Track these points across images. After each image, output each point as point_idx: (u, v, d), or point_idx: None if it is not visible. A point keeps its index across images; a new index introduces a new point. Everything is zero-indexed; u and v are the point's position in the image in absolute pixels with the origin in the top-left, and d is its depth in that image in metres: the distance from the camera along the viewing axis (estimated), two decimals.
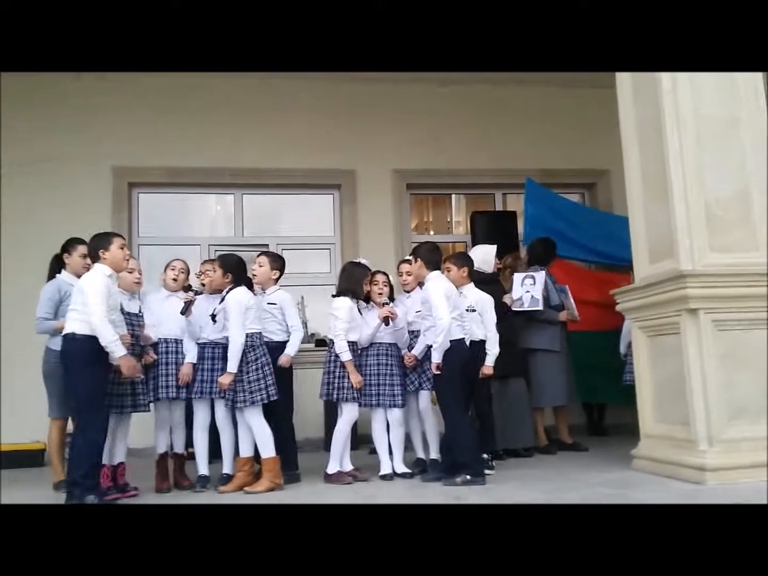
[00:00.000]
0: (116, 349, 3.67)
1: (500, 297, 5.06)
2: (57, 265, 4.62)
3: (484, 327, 4.52)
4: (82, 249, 4.37)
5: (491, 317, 4.55)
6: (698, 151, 3.84)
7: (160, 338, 4.31)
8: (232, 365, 4.03)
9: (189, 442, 4.44)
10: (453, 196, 8.01)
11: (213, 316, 4.21)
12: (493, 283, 5.13)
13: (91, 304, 3.62)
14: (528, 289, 5.22)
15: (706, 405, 3.64)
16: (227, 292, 4.18)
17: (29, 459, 5.69)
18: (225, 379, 4.03)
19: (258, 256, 4.55)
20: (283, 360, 4.31)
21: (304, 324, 6.99)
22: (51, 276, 4.60)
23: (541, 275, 5.28)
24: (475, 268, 4.91)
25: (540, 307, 5.21)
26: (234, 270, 4.24)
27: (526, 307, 5.21)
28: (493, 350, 4.51)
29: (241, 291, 4.19)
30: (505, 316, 5.00)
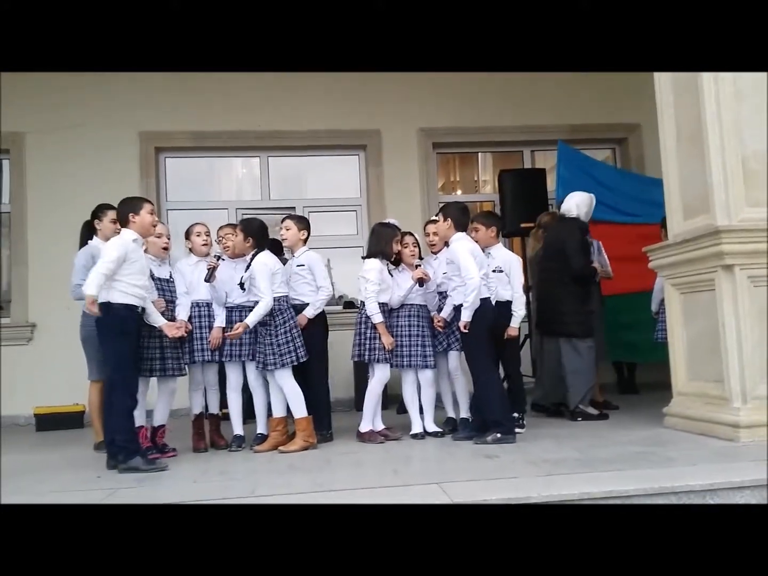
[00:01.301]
0: (86, 291, 3.52)
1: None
2: (88, 232, 4.66)
3: (510, 288, 4.48)
4: (112, 215, 4.40)
5: (518, 278, 4.51)
6: (736, 103, 3.72)
7: (192, 302, 4.35)
8: (251, 320, 4.07)
9: (223, 403, 4.52)
10: (480, 154, 7.91)
11: (242, 285, 4.24)
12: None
13: (99, 261, 3.62)
14: None
15: (741, 362, 3.60)
16: (252, 258, 4.21)
17: (69, 421, 5.86)
18: (237, 329, 4.07)
19: (282, 221, 4.55)
20: (300, 320, 4.26)
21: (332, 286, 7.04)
22: (82, 243, 4.65)
23: (600, 248, 5.22)
24: (572, 215, 4.91)
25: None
26: (255, 234, 4.26)
27: None
28: (519, 312, 4.48)
29: (266, 255, 4.22)
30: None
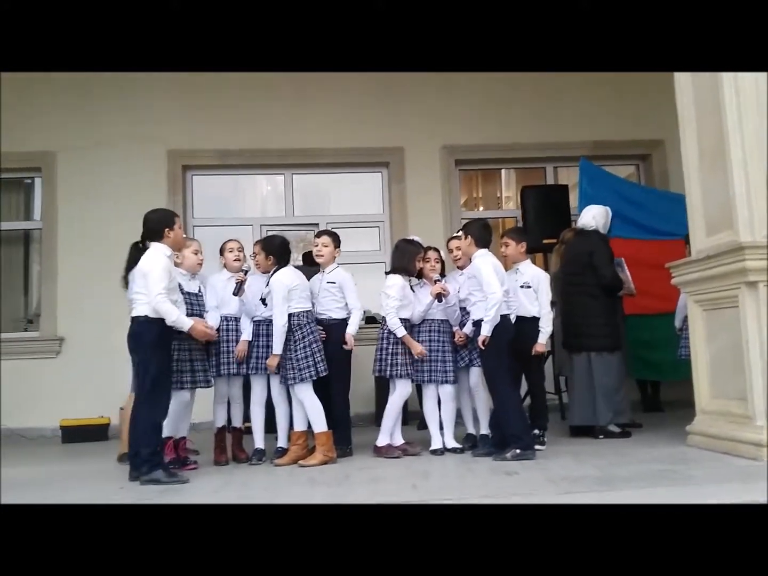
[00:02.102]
0: (183, 322, 3.70)
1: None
2: (137, 253, 4.70)
3: (538, 304, 4.46)
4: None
5: (546, 294, 4.49)
6: (758, 118, 3.70)
7: (222, 316, 4.40)
8: (277, 347, 4.16)
9: (246, 417, 4.56)
10: (503, 170, 7.92)
11: (263, 300, 4.31)
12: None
13: (151, 284, 3.63)
14: None
15: (764, 380, 3.55)
16: (272, 274, 4.26)
17: (94, 433, 5.94)
18: (271, 361, 4.20)
19: (319, 236, 4.54)
20: (348, 341, 4.33)
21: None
22: (132, 263, 4.68)
23: (622, 265, 5.20)
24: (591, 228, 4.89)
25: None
26: (276, 252, 4.32)
27: None
28: (546, 328, 4.46)
29: (285, 272, 4.26)
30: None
